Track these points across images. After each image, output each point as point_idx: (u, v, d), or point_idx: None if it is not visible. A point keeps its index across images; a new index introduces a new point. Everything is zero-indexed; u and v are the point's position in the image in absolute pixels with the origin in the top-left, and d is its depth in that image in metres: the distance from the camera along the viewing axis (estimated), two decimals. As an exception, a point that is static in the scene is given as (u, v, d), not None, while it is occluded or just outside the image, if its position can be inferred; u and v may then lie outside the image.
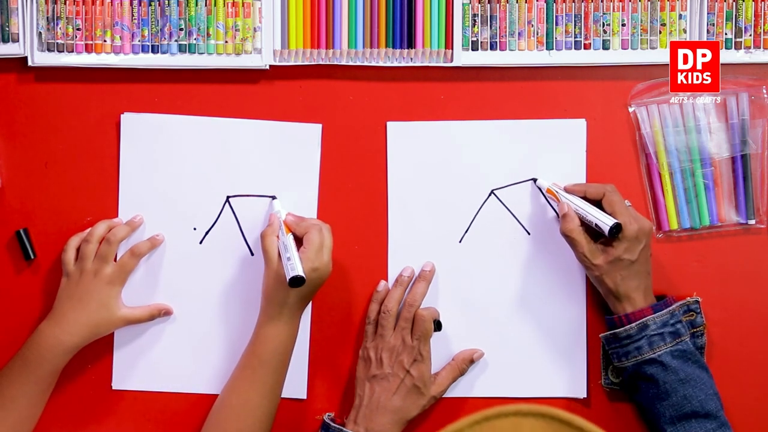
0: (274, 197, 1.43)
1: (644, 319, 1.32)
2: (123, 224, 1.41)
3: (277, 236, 1.35)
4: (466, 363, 1.42)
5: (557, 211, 1.39)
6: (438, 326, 1.40)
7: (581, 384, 1.43)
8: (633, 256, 1.33)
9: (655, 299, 1.36)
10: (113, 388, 1.44)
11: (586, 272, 1.37)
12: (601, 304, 1.41)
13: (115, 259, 1.40)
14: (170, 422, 1.44)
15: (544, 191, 1.41)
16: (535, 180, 1.42)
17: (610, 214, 1.34)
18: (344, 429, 1.36)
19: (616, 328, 1.34)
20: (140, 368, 1.44)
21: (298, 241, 1.36)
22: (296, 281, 1.29)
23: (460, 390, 1.43)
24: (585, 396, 1.43)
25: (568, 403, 1.43)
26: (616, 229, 1.32)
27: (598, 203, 1.36)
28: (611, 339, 1.35)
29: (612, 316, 1.35)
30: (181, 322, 1.44)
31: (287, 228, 1.37)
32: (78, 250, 1.40)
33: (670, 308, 1.34)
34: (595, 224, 1.34)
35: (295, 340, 1.37)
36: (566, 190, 1.39)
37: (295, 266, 1.30)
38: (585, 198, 1.37)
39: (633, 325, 1.33)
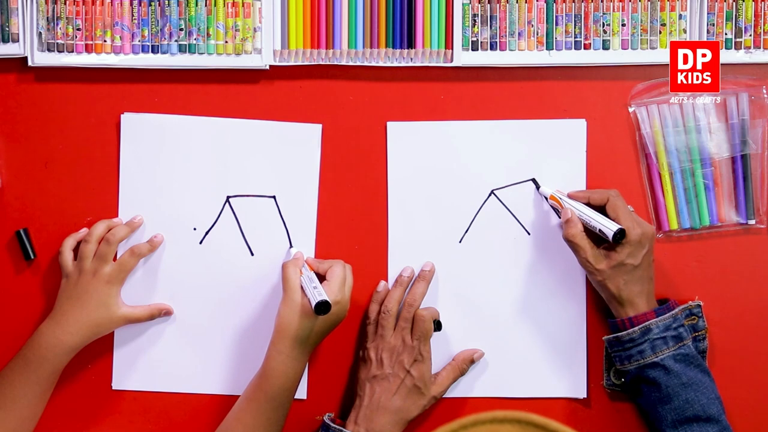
0: (273, 195, 1.43)
1: (647, 323, 1.32)
2: (122, 224, 1.41)
3: (300, 271, 1.36)
4: (466, 363, 1.42)
5: (560, 217, 1.39)
6: (438, 326, 1.41)
7: (581, 384, 1.43)
8: (636, 261, 1.33)
9: (657, 303, 1.36)
10: (113, 388, 1.44)
11: (589, 277, 1.37)
12: (601, 305, 1.41)
13: (115, 259, 1.40)
14: (170, 422, 1.44)
15: (547, 197, 1.40)
16: (537, 183, 1.42)
17: (613, 220, 1.33)
18: (344, 429, 1.36)
19: (619, 332, 1.34)
20: (140, 368, 1.44)
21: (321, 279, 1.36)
22: (323, 307, 1.28)
23: (460, 390, 1.43)
24: (585, 396, 1.43)
25: (569, 403, 1.43)
26: (620, 234, 1.32)
27: (601, 209, 1.36)
28: (614, 342, 1.35)
29: (615, 320, 1.35)
30: (181, 322, 1.44)
31: (309, 266, 1.38)
32: (75, 250, 1.40)
33: (673, 312, 1.34)
34: (599, 229, 1.33)
35: (300, 380, 1.36)
36: (569, 196, 1.39)
37: (321, 293, 1.29)
38: (588, 204, 1.37)
39: (636, 328, 1.32)
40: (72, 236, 1.41)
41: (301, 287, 1.33)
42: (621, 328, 1.34)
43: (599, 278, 1.34)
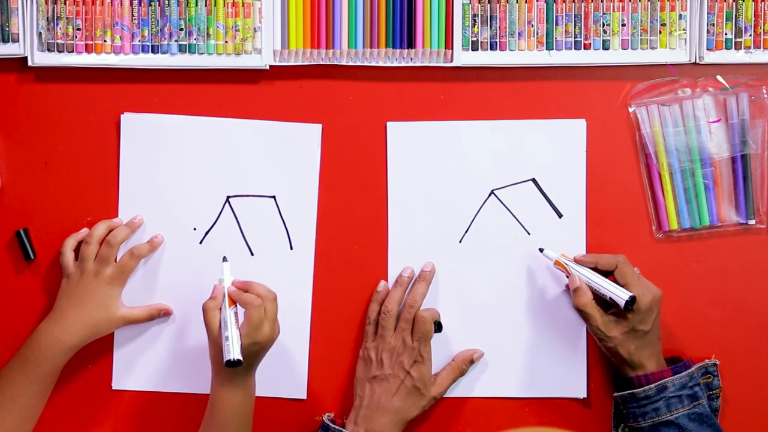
0: (273, 195, 1.43)
1: (663, 381, 1.33)
2: (123, 225, 1.41)
3: (221, 307, 1.32)
4: (466, 363, 1.42)
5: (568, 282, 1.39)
6: (438, 327, 1.40)
7: (581, 384, 1.43)
8: (647, 327, 1.34)
9: (665, 362, 1.36)
10: (113, 388, 1.44)
11: (599, 343, 1.37)
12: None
13: (115, 260, 1.40)
14: (170, 422, 1.44)
15: (552, 263, 1.40)
16: (538, 185, 1.42)
17: (622, 286, 1.34)
18: (344, 430, 1.36)
19: (634, 388, 1.34)
20: (140, 368, 1.44)
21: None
22: (232, 364, 1.27)
23: (460, 390, 1.43)
24: (585, 396, 1.43)
25: (569, 403, 1.43)
26: (631, 301, 1.32)
27: (607, 273, 1.36)
28: (629, 398, 1.35)
29: (630, 376, 1.35)
30: (181, 322, 1.44)
31: (230, 300, 1.33)
32: (75, 250, 1.40)
33: (689, 371, 1.35)
34: (609, 297, 1.34)
35: (254, 398, 1.35)
36: (576, 260, 1.38)
37: (230, 348, 1.27)
38: (595, 268, 1.37)
39: (652, 386, 1.33)
40: (73, 236, 1.41)
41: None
42: (636, 385, 1.34)
43: (611, 344, 1.35)
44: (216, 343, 1.31)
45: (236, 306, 1.32)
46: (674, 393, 1.33)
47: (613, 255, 1.37)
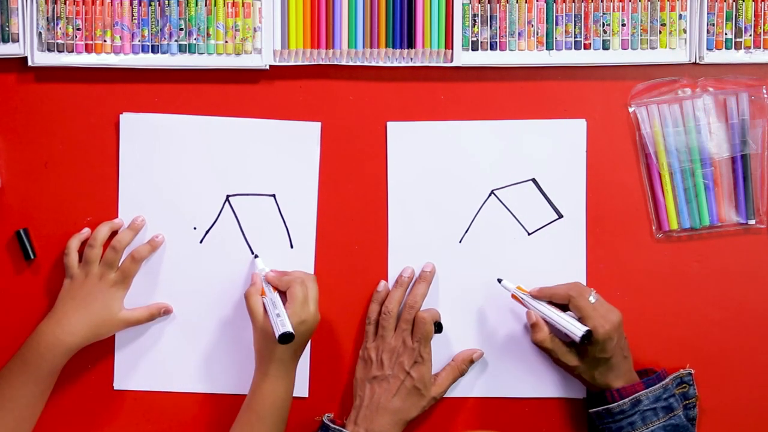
0: (273, 194, 1.43)
1: (637, 395, 1.33)
2: (126, 228, 1.41)
3: (263, 292, 1.35)
4: (465, 363, 1.42)
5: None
6: (439, 328, 1.41)
7: (581, 384, 1.42)
8: (608, 354, 1.34)
9: (637, 375, 1.36)
10: (115, 388, 1.44)
11: (564, 370, 1.38)
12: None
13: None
14: (171, 422, 1.44)
15: (509, 295, 1.40)
16: (537, 185, 1.42)
17: (578, 320, 1.33)
18: (344, 430, 1.36)
19: (608, 404, 1.34)
20: (141, 368, 1.44)
21: (283, 296, 1.36)
22: (286, 338, 1.29)
23: (460, 390, 1.43)
24: (585, 396, 1.43)
25: (569, 403, 1.43)
26: (587, 335, 1.32)
27: (565, 306, 1.36)
28: (604, 414, 1.35)
29: (603, 391, 1.35)
30: (182, 321, 1.44)
31: (272, 285, 1.37)
32: (80, 252, 1.40)
33: (663, 382, 1.35)
34: (565, 333, 1.34)
35: (292, 392, 1.36)
36: (532, 295, 1.38)
37: (284, 322, 1.30)
38: (551, 302, 1.37)
39: (626, 400, 1.33)
40: (76, 236, 1.41)
41: (265, 312, 1.33)
42: (610, 401, 1.34)
43: (575, 373, 1.36)
44: (261, 328, 1.33)
45: (278, 292, 1.36)
46: (649, 406, 1.33)
47: (566, 286, 1.37)
